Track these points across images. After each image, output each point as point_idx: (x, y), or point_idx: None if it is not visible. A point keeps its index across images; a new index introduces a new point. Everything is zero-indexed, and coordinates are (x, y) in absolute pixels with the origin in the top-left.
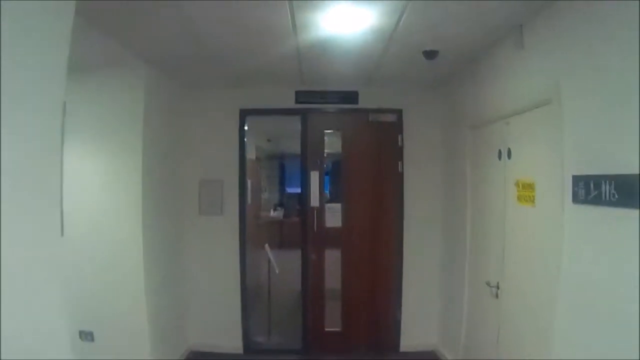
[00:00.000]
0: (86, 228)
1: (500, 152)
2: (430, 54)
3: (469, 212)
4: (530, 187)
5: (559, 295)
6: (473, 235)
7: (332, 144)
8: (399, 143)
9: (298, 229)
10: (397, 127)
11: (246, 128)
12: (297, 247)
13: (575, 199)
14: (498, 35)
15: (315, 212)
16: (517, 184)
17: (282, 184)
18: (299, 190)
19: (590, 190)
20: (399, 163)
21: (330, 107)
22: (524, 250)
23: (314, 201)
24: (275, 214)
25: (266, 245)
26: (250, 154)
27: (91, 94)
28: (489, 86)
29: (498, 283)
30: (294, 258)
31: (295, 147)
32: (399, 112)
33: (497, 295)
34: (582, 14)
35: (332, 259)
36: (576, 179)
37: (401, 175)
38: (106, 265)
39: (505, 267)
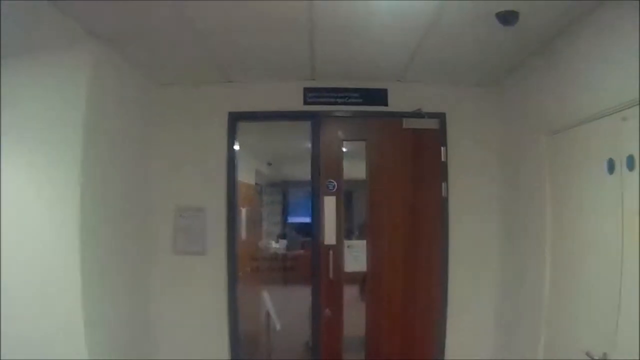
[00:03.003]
0: (10, 267)
1: (611, 162)
2: (507, 17)
3: (549, 251)
4: None
5: None
6: (555, 285)
7: (352, 158)
8: (442, 158)
9: (303, 263)
10: (439, 136)
11: (237, 147)
12: (303, 284)
13: None
14: None
15: (330, 252)
16: None
17: (285, 212)
18: (304, 219)
19: None
20: (443, 184)
21: (351, 109)
22: None
23: (329, 237)
24: (278, 245)
25: (264, 294)
26: (249, 179)
27: (21, 83)
28: (585, 67)
29: (605, 354)
30: (300, 300)
31: (299, 168)
32: (441, 117)
33: None
34: None
35: (353, 314)
36: None
37: (445, 200)
38: (37, 321)
39: (619, 331)
